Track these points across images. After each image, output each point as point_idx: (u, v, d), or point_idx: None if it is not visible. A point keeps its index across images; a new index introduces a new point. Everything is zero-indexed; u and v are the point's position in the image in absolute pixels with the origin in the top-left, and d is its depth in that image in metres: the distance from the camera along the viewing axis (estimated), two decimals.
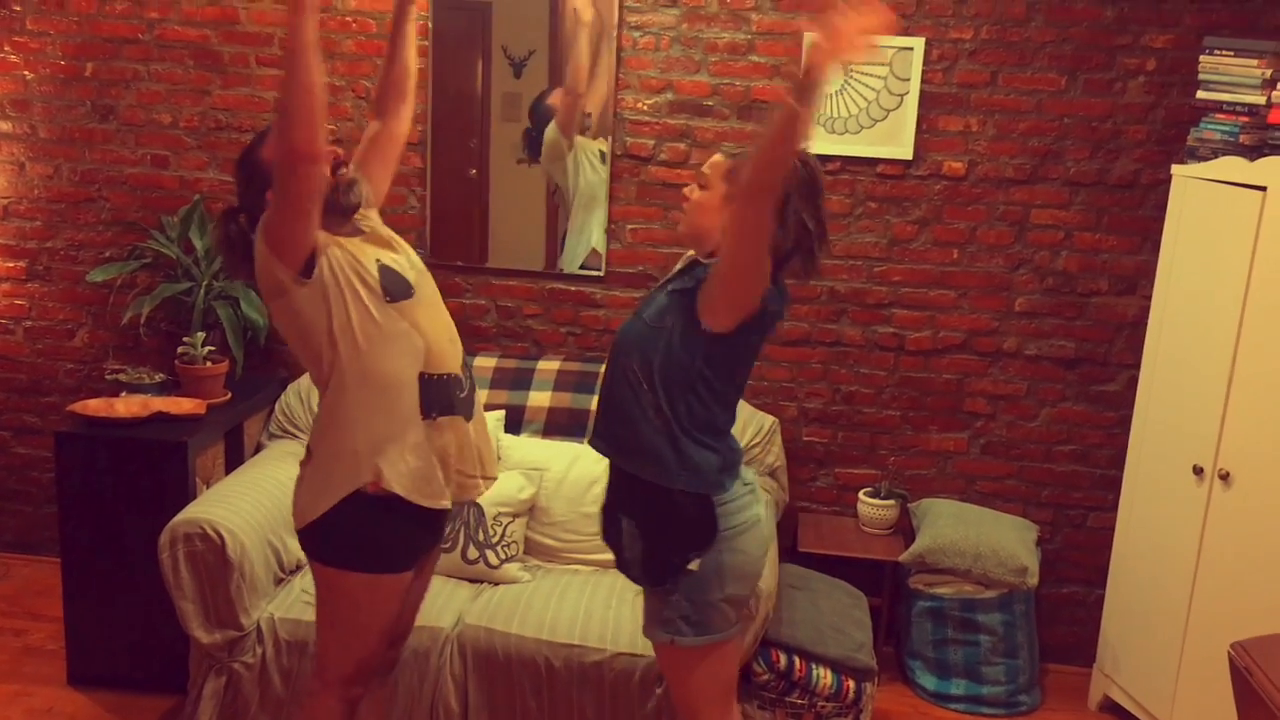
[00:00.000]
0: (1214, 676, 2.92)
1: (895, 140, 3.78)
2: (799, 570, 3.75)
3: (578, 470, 3.57)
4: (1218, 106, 3.32)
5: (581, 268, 3.99)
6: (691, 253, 2.53)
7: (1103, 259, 3.80)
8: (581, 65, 3.83)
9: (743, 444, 2.66)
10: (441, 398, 2.48)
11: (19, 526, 4.38)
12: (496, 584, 3.39)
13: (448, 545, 3.40)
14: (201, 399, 3.65)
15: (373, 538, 2.47)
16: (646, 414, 2.38)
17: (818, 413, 4.00)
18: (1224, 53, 3.29)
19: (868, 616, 3.61)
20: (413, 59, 2.80)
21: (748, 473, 2.55)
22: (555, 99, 3.87)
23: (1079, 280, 3.82)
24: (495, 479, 2.71)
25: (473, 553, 3.39)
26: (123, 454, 3.41)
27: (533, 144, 3.91)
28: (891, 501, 3.90)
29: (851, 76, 3.75)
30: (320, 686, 2.62)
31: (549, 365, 3.87)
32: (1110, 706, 3.72)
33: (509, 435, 3.71)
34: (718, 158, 2.42)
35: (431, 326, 2.49)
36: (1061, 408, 3.91)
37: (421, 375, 2.45)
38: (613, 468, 2.53)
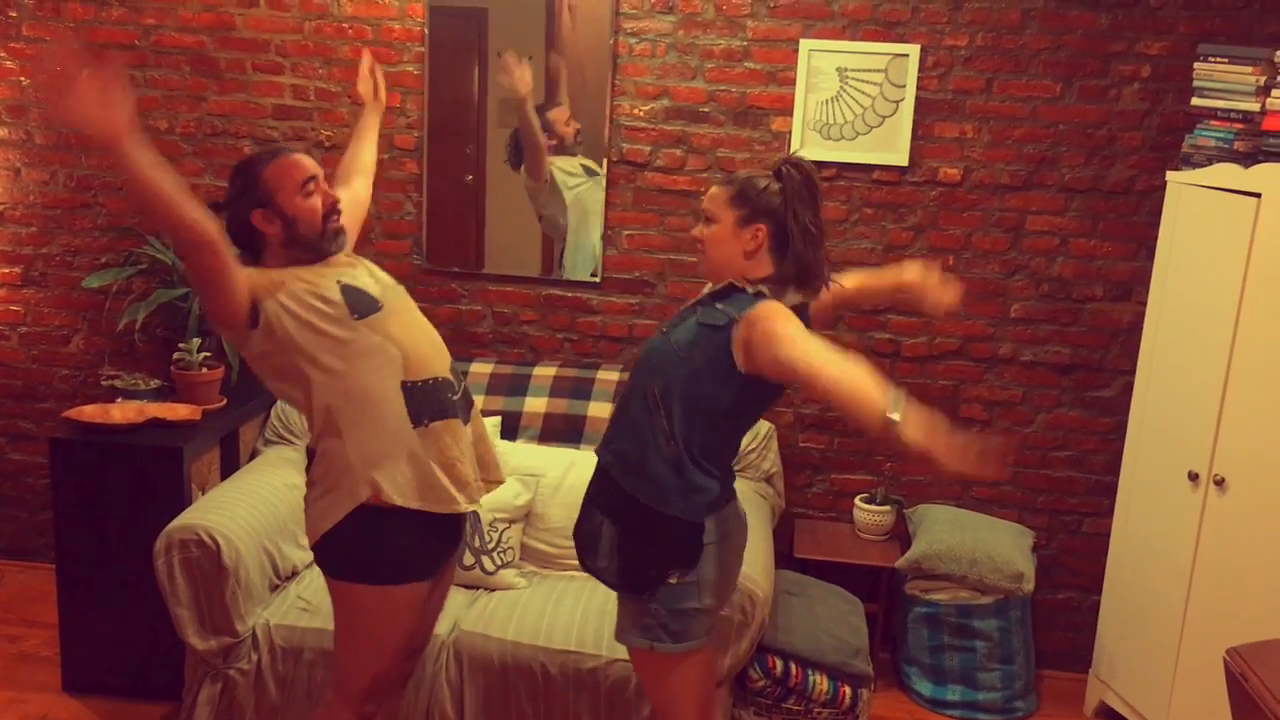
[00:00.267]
0: (1209, 682, 2.92)
1: (891, 147, 3.79)
2: (795, 576, 3.75)
3: (574, 476, 3.56)
4: (1212, 113, 3.33)
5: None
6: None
7: (1098, 265, 3.81)
8: (536, 139, 3.84)
9: (739, 450, 2.66)
10: (430, 403, 2.47)
11: (14, 533, 4.37)
12: (492, 590, 3.39)
13: None
14: (197, 405, 3.65)
15: (382, 549, 2.46)
16: (657, 440, 2.36)
17: (814, 419, 4.01)
18: (1218, 60, 3.30)
19: (864, 622, 3.61)
20: (372, 150, 2.96)
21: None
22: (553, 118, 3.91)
23: (1074, 286, 3.83)
24: (501, 482, 2.72)
25: (469, 559, 3.39)
26: (118, 460, 3.41)
27: (516, 149, 3.92)
28: (887, 507, 3.90)
29: (848, 84, 3.76)
30: (337, 700, 2.61)
31: (545, 371, 3.87)
32: (1106, 712, 3.72)
33: (505, 441, 3.71)
34: (715, 190, 2.40)
35: (407, 335, 2.49)
36: (1057, 413, 3.92)
37: (404, 384, 2.45)
38: (601, 469, 2.51)
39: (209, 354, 3.75)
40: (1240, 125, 3.24)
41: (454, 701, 3.10)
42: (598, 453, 2.51)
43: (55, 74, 2.09)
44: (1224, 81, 3.28)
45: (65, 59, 2.10)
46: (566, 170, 3.93)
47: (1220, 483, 3.20)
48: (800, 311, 2.39)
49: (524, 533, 3.54)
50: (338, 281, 2.45)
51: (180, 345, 3.76)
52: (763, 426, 3.80)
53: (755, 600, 3.00)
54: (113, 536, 3.43)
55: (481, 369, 3.87)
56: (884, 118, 3.78)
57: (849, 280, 2.64)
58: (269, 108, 4.00)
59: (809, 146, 3.80)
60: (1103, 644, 3.74)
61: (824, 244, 2.40)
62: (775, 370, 2.27)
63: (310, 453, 2.53)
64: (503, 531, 3.43)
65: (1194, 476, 3.27)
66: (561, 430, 3.75)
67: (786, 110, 3.81)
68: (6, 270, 4.19)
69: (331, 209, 2.49)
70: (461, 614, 3.22)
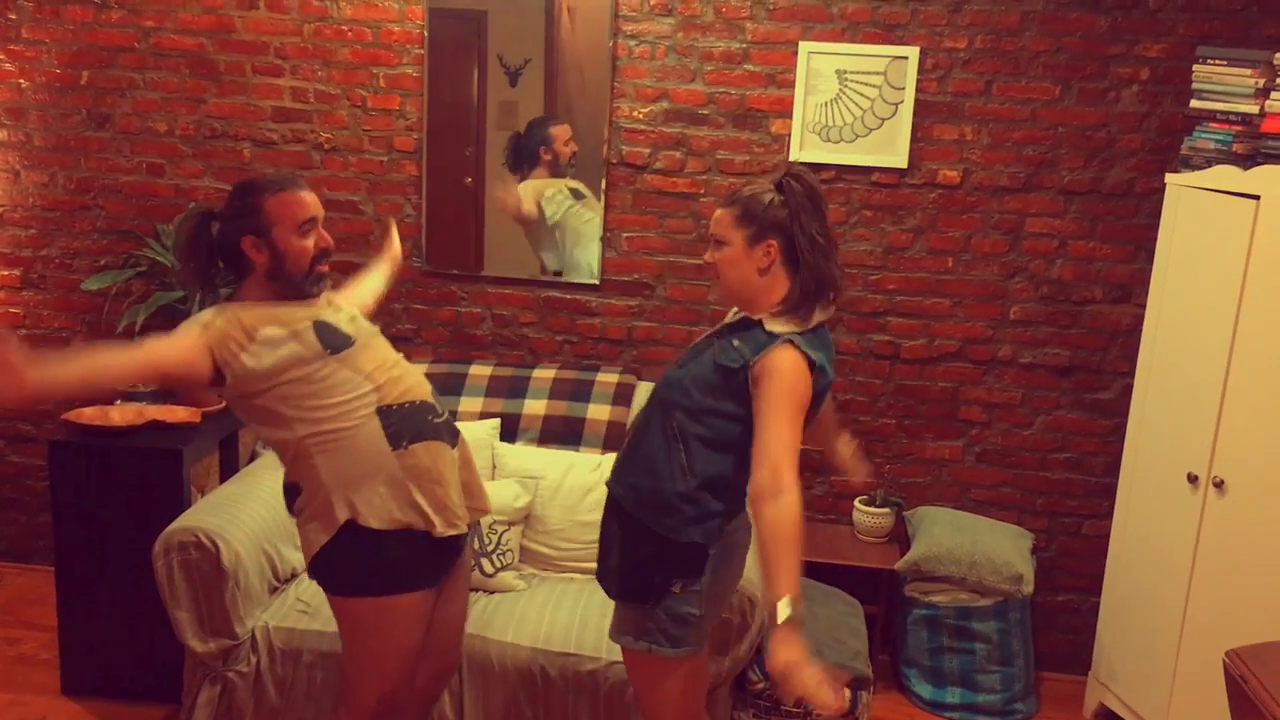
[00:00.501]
0: (1209, 684, 2.92)
1: (890, 149, 3.79)
2: None
3: (573, 478, 3.57)
4: (1211, 115, 3.33)
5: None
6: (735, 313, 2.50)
7: (1097, 267, 3.81)
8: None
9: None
10: (409, 425, 2.48)
11: (13, 535, 4.37)
12: (492, 592, 3.38)
13: None
14: (196, 407, 3.65)
15: (372, 562, 2.47)
16: (673, 472, 2.36)
17: None
18: (1217, 62, 3.30)
19: (863, 625, 3.61)
20: (379, 281, 3.12)
21: None
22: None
23: (1073, 288, 3.83)
24: (487, 511, 2.71)
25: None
26: (117, 462, 3.41)
27: (515, 153, 3.92)
28: (887, 510, 3.90)
29: (847, 86, 3.76)
30: (346, 717, 2.61)
31: (544, 373, 3.87)
32: (1105, 714, 3.72)
33: (504, 443, 3.71)
34: (720, 213, 2.38)
35: (380, 366, 2.51)
36: (1056, 416, 3.92)
37: (380, 409, 2.46)
38: (613, 500, 2.50)
39: None
40: (1239, 127, 3.24)
41: (453, 704, 3.10)
42: (609, 485, 2.50)
43: None
44: (1223, 84, 3.28)
45: None
46: (553, 200, 3.94)
47: (1219, 485, 3.20)
48: (820, 340, 2.37)
49: (523, 535, 3.53)
50: (313, 321, 2.46)
51: None
52: None
53: (755, 602, 3.00)
54: (112, 539, 3.43)
55: (481, 371, 3.87)
56: (883, 120, 3.78)
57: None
58: (268, 110, 4.00)
59: (808, 149, 3.80)
60: (1102, 646, 3.74)
61: (835, 253, 2.38)
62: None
63: (287, 489, 2.54)
64: (502, 534, 3.43)
65: (1193, 478, 3.27)
66: (561, 432, 3.75)
67: (786, 112, 3.81)
68: (6, 272, 4.19)
69: (322, 254, 2.49)
70: None
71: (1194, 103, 3.38)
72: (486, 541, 3.40)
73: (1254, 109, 3.19)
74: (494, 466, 3.64)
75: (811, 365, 2.29)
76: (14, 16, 4.00)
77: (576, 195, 3.94)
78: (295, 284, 2.47)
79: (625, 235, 3.96)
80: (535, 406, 3.78)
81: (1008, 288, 3.86)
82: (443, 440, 2.53)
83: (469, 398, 3.79)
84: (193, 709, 3.14)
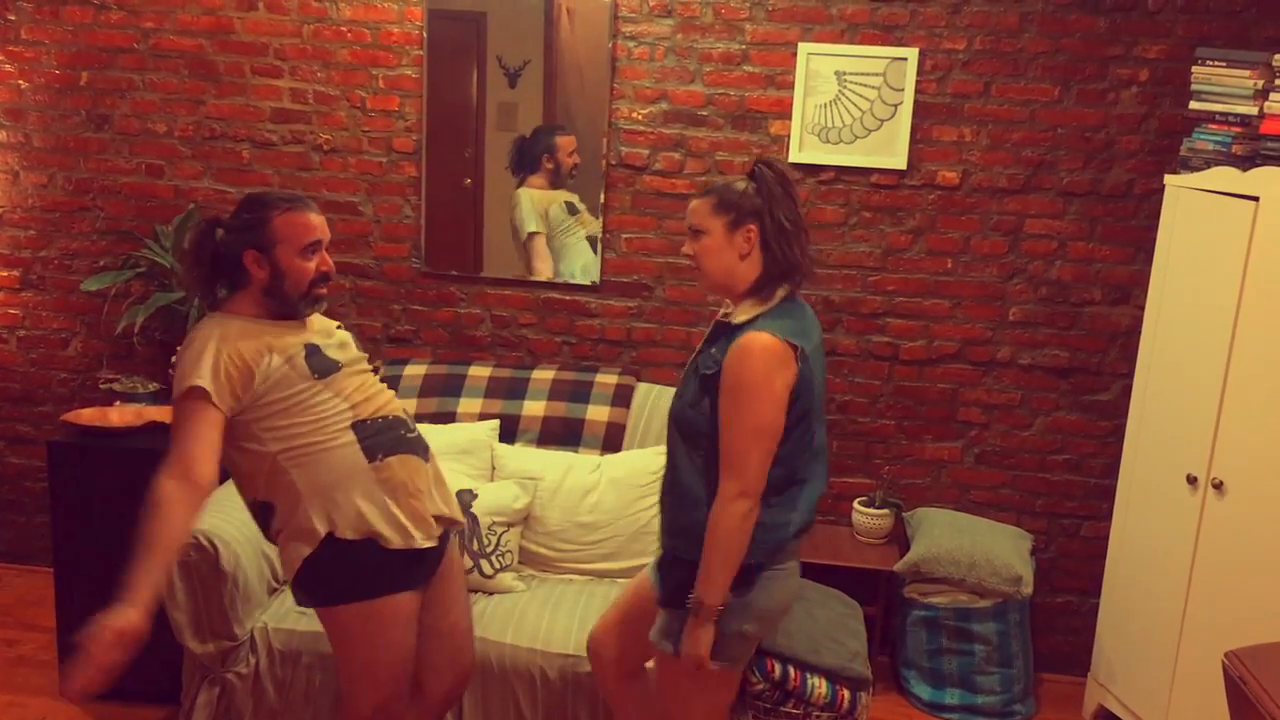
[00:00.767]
0: (1208, 686, 2.92)
1: (889, 150, 3.79)
2: None
3: (572, 479, 3.56)
4: (1210, 117, 3.34)
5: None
6: (724, 309, 2.52)
7: (1096, 269, 3.81)
8: None
9: (812, 455, 2.54)
10: (384, 439, 2.50)
11: (12, 536, 4.37)
12: (491, 594, 3.38)
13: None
14: None
15: (355, 568, 2.47)
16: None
17: None
18: (1216, 63, 3.30)
19: (862, 626, 3.60)
20: None
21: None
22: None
23: (1072, 290, 3.83)
24: (460, 524, 2.71)
25: (467, 562, 3.38)
26: (116, 463, 3.41)
27: (518, 155, 3.92)
28: (886, 511, 3.90)
29: (846, 87, 3.77)
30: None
31: (544, 374, 3.87)
32: (1105, 716, 3.71)
33: (503, 444, 3.71)
34: (696, 204, 2.42)
35: (357, 389, 2.52)
36: (1055, 417, 3.92)
37: (355, 424, 2.47)
38: (670, 554, 2.49)
39: None
40: (1238, 129, 3.24)
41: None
42: (663, 543, 2.51)
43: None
44: (1222, 85, 3.28)
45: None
46: (552, 221, 3.96)
47: (1219, 486, 3.20)
48: (792, 315, 2.38)
49: (522, 536, 3.53)
50: (304, 344, 2.47)
51: (179, 349, 3.76)
52: None
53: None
54: (111, 540, 3.40)
55: (480, 372, 3.87)
56: (882, 121, 3.78)
57: None
58: (267, 111, 4.00)
59: (807, 150, 3.80)
60: (1101, 647, 3.74)
61: (805, 238, 2.42)
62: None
63: (259, 509, 2.53)
64: (501, 535, 3.43)
65: (1192, 480, 3.27)
66: (560, 433, 3.75)
67: (785, 114, 3.81)
68: (5, 273, 4.19)
69: (322, 278, 2.50)
70: None
71: (1193, 104, 3.38)
72: (486, 543, 3.40)
73: (1253, 110, 3.19)
74: (493, 468, 3.64)
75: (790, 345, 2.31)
76: (13, 17, 4.00)
77: (571, 210, 3.95)
78: (290, 304, 2.48)
79: (624, 237, 3.96)
80: (534, 408, 3.78)
81: (1007, 289, 3.86)
82: (416, 454, 2.55)
83: (468, 399, 3.79)
84: (191, 710, 3.14)
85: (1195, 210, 3.32)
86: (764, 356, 2.29)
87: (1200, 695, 3.23)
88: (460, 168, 3.96)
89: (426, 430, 3.62)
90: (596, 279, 3.99)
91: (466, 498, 3.43)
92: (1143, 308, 3.63)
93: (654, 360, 4.02)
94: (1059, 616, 4.03)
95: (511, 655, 3.09)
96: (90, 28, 3.99)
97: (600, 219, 3.94)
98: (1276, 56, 3.15)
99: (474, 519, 3.41)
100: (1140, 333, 3.60)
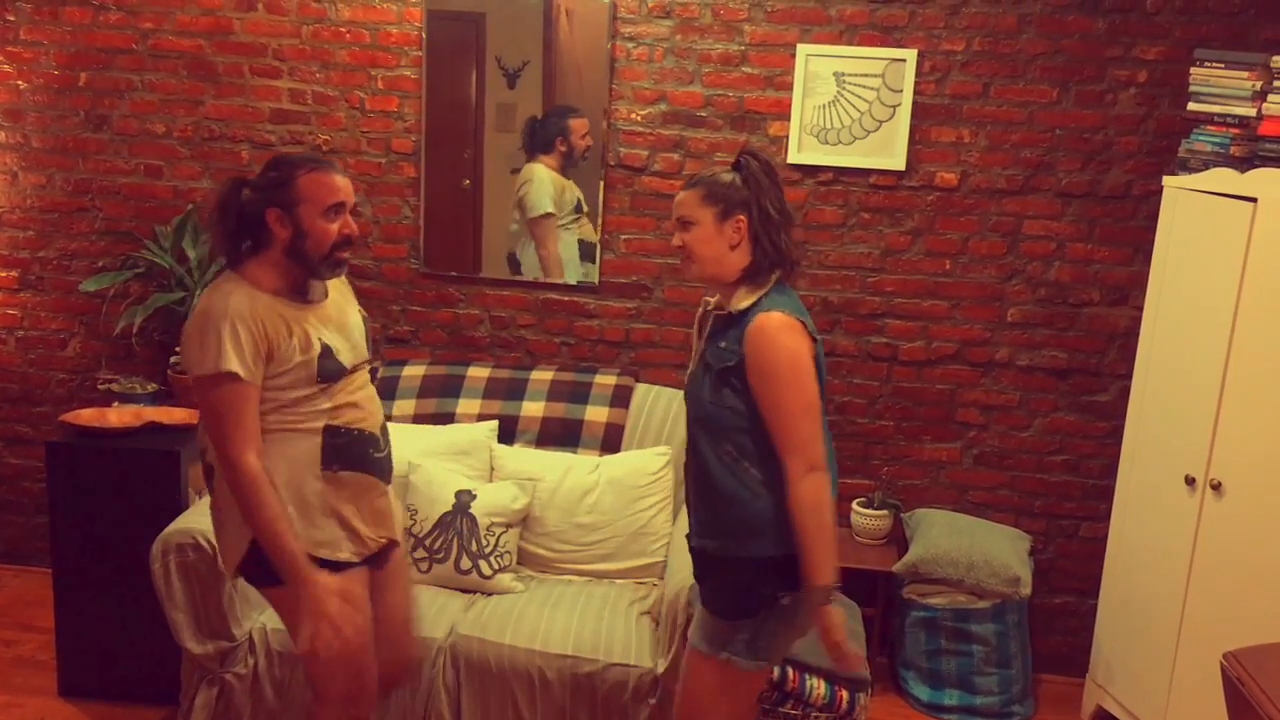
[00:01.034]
0: (1207, 687, 2.92)
1: (888, 151, 3.79)
2: None
3: (571, 480, 3.57)
4: (1208, 118, 3.34)
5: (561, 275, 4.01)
6: (715, 299, 2.52)
7: (1094, 270, 3.81)
8: None
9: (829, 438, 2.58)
10: (347, 452, 2.49)
11: (10, 537, 4.37)
12: (489, 594, 3.38)
13: (440, 556, 3.39)
14: (194, 409, 3.64)
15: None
16: (753, 489, 2.37)
17: None
18: (1214, 65, 3.31)
19: (861, 627, 3.61)
20: None
21: None
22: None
23: (1071, 291, 3.83)
24: (395, 541, 2.69)
25: (466, 563, 3.39)
26: (115, 464, 3.40)
27: (530, 136, 3.91)
28: (884, 512, 3.90)
29: (845, 89, 3.77)
30: (319, 711, 2.61)
31: (542, 375, 3.87)
32: (1103, 717, 3.71)
33: (502, 445, 3.71)
34: (683, 195, 2.42)
35: (348, 394, 2.51)
36: (1054, 418, 3.92)
37: (327, 426, 2.47)
38: (703, 553, 2.48)
39: None
40: (1236, 130, 3.25)
41: (451, 705, 3.10)
42: (694, 544, 2.50)
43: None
44: (1220, 86, 3.28)
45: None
46: (564, 205, 3.95)
47: (1217, 487, 3.20)
48: (789, 296, 2.40)
49: (521, 537, 3.53)
50: (320, 341, 2.46)
51: (177, 349, 3.76)
52: None
53: None
54: (109, 540, 3.42)
55: (479, 373, 3.87)
56: (881, 122, 3.78)
57: None
58: (266, 111, 4.00)
59: (806, 151, 3.80)
60: (1100, 648, 3.74)
61: (791, 227, 2.44)
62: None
63: (205, 468, 2.52)
64: (500, 535, 3.43)
65: (1191, 481, 3.27)
66: (559, 434, 3.75)
67: (784, 115, 3.81)
68: (3, 274, 4.19)
69: (345, 240, 2.47)
70: (458, 618, 3.22)
71: (1191, 105, 3.38)
72: (484, 543, 3.40)
73: (1251, 112, 3.20)
74: (491, 468, 3.64)
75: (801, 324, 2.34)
76: (12, 18, 4.00)
77: (579, 207, 3.95)
78: (311, 265, 2.45)
79: (623, 238, 3.96)
80: (533, 408, 3.78)
81: (1005, 290, 3.86)
82: (374, 475, 2.55)
83: (467, 399, 3.79)
84: (190, 711, 3.14)
85: (1193, 211, 3.33)
86: (784, 333, 2.31)
87: (1199, 696, 3.24)
88: (459, 168, 3.96)
89: (424, 431, 3.66)
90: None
91: (465, 498, 3.44)
92: (1141, 309, 3.63)
93: (652, 361, 4.02)
94: (1057, 617, 4.03)
95: (510, 656, 3.09)
96: (89, 28, 3.99)
97: (599, 220, 3.94)
98: (1275, 58, 3.16)
99: (473, 519, 3.41)
100: (1139, 334, 3.60)
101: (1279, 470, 3.12)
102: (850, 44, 3.75)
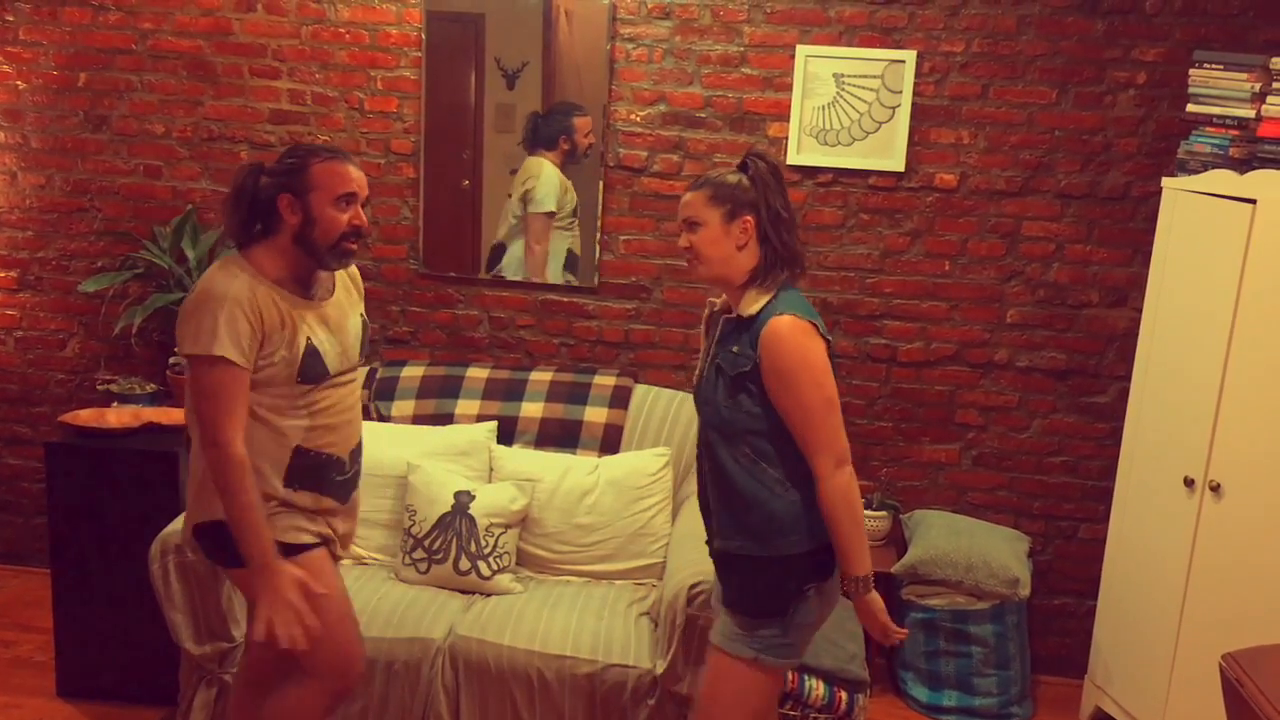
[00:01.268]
0: (1205, 688, 2.92)
1: (887, 152, 3.79)
2: None
3: (570, 481, 3.56)
4: (1208, 120, 3.34)
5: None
6: (721, 300, 2.52)
7: (1094, 271, 3.81)
8: None
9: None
10: (310, 476, 2.51)
11: (9, 538, 4.36)
12: (488, 595, 3.38)
13: (439, 556, 3.39)
14: None
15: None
16: (773, 490, 2.37)
17: None
18: (1214, 66, 3.31)
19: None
20: None
21: None
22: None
23: (1070, 292, 3.83)
24: (339, 556, 2.69)
25: (464, 564, 3.38)
26: (114, 464, 3.40)
27: (533, 132, 3.90)
28: (883, 513, 3.90)
29: (845, 90, 3.77)
30: (309, 682, 2.61)
31: (541, 376, 3.87)
32: (1102, 718, 3.71)
33: (501, 446, 3.71)
34: (689, 196, 2.42)
35: (327, 411, 2.52)
36: (1053, 419, 3.92)
37: (296, 448, 2.48)
38: (726, 556, 2.48)
39: None
40: (1235, 131, 3.25)
41: (450, 706, 3.10)
42: (716, 549, 2.50)
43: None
44: (1219, 88, 3.29)
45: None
46: (565, 206, 3.95)
47: (1216, 488, 3.20)
48: (800, 299, 2.40)
49: (520, 537, 3.53)
50: (308, 339, 2.47)
51: (176, 349, 3.75)
52: None
53: None
54: (108, 541, 3.42)
55: (478, 373, 3.87)
56: (880, 123, 3.79)
57: None
58: (266, 112, 4.00)
59: (805, 152, 3.80)
60: (1098, 649, 3.74)
61: (796, 228, 2.45)
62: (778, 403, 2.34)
63: (187, 437, 2.56)
64: (499, 536, 3.43)
65: (1189, 482, 3.27)
66: (558, 435, 3.75)
67: (783, 116, 3.82)
68: (2, 274, 4.19)
69: (354, 231, 2.49)
70: (457, 619, 3.22)
71: (1190, 107, 3.38)
72: (483, 544, 3.40)
73: (1250, 113, 3.20)
74: (491, 469, 3.64)
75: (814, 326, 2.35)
76: (11, 18, 4.00)
77: (575, 213, 3.94)
78: (318, 253, 2.47)
79: (622, 238, 3.96)
80: (532, 409, 3.78)
81: (1004, 291, 3.86)
82: (333, 497, 2.57)
83: (466, 400, 3.79)
84: (188, 711, 3.14)
85: (1192, 213, 3.33)
86: (798, 335, 2.32)
87: (1197, 697, 3.24)
88: (458, 169, 3.96)
89: (423, 432, 3.66)
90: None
91: (464, 499, 3.44)
92: (1140, 310, 3.63)
93: (652, 362, 4.02)
94: (1056, 619, 4.03)
95: (509, 657, 3.09)
96: (88, 29, 3.99)
97: (599, 221, 3.94)
98: (1274, 60, 3.16)
99: (472, 520, 3.41)
100: (1138, 335, 3.60)
101: (1278, 472, 3.13)
102: (849, 45, 3.76)
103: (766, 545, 2.40)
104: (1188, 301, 3.35)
